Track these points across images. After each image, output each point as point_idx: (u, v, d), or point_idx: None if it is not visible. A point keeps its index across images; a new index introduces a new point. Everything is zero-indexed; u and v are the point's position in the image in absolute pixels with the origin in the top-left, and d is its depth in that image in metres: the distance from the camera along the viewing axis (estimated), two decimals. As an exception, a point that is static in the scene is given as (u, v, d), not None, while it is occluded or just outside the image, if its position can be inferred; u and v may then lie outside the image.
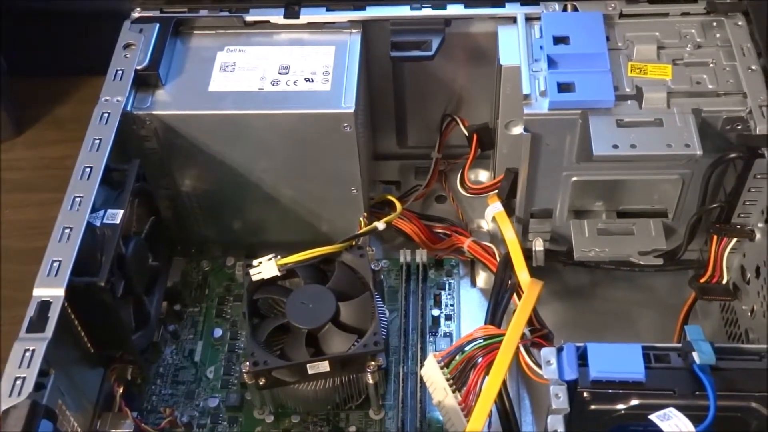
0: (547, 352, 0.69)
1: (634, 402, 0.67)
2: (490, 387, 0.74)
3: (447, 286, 0.97)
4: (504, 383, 0.76)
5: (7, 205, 1.11)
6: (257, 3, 0.92)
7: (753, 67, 0.83)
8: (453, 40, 0.91)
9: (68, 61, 1.20)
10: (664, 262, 0.90)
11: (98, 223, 0.78)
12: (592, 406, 0.67)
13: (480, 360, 0.77)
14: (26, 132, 1.20)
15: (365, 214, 0.94)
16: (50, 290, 0.71)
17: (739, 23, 0.87)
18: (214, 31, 0.92)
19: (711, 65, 0.84)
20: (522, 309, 0.79)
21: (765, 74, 0.82)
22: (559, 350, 0.69)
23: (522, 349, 0.76)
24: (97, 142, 0.81)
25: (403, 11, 0.91)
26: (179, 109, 0.86)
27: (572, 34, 0.85)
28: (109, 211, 0.79)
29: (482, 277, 0.98)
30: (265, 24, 0.92)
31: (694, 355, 0.66)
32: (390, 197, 0.99)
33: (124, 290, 0.80)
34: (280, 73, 0.88)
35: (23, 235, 1.06)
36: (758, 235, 0.83)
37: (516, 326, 0.77)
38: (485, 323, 0.82)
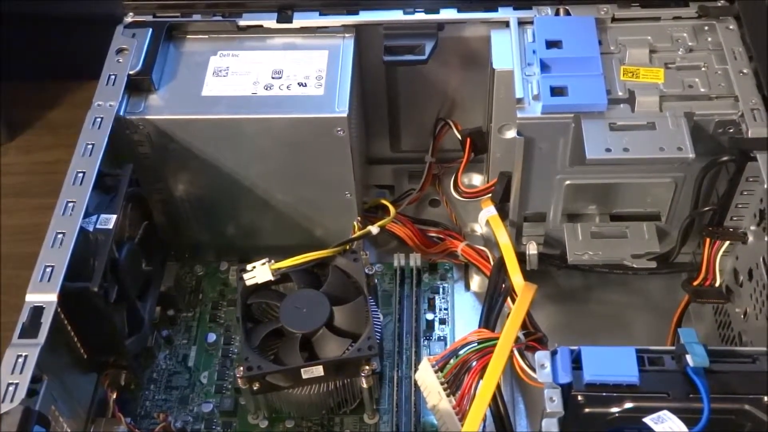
0: (542, 356, 0.69)
1: (629, 405, 0.67)
2: (484, 390, 0.74)
3: (441, 289, 0.97)
4: (498, 387, 0.77)
5: (1, 210, 1.10)
6: (250, 7, 0.92)
7: (744, 71, 0.83)
8: (446, 44, 0.92)
9: (61, 66, 1.20)
10: (657, 265, 0.90)
11: (91, 228, 0.78)
12: (587, 410, 0.68)
13: (474, 364, 0.77)
14: (19, 137, 1.20)
15: (359, 218, 0.94)
16: (43, 296, 0.71)
17: (731, 27, 0.87)
18: (207, 36, 0.92)
19: (703, 69, 0.84)
20: (516, 312, 0.79)
21: (756, 78, 0.83)
22: (553, 354, 0.69)
23: (516, 352, 0.76)
24: (90, 147, 0.81)
25: (396, 15, 0.91)
26: (172, 114, 0.86)
27: (565, 38, 0.85)
28: (102, 216, 0.79)
29: (476, 281, 0.98)
30: (258, 28, 0.92)
31: (688, 357, 0.66)
32: (384, 201, 0.99)
33: (117, 295, 0.80)
34: (273, 78, 0.87)
35: (17, 240, 1.06)
36: (751, 238, 0.83)
37: (510, 330, 0.77)
38: (479, 327, 0.82)
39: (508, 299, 0.84)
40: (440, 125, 1.01)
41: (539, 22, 0.88)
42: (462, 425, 0.75)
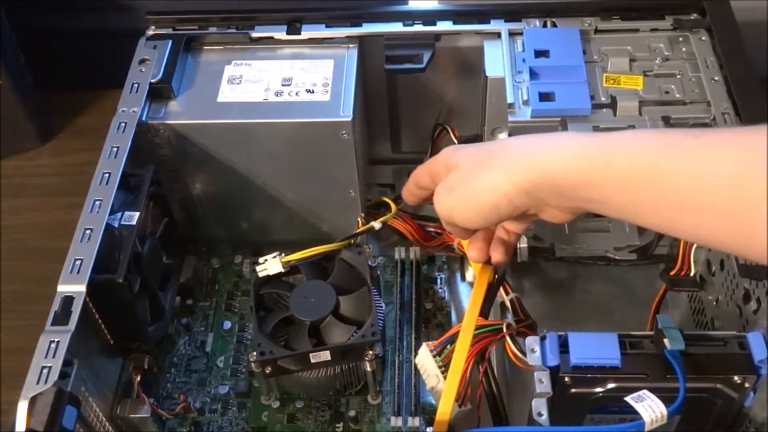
0: (532, 341, 0.69)
1: (611, 385, 0.67)
2: (454, 367, 0.73)
3: (438, 280, 0.97)
4: (492, 369, 0.77)
5: (34, 208, 1.11)
6: (262, 20, 0.92)
7: (716, 78, 0.83)
8: (442, 53, 0.92)
9: (89, 76, 1.20)
10: (637, 257, 0.90)
11: (116, 225, 0.78)
12: (573, 390, 0.68)
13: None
14: (51, 141, 1.20)
15: (362, 214, 0.94)
16: (73, 286, 0.71)
17: (703, 38, 0.87)
18: (222, 47, 0.92)
19: (678, 76, 0.84)
20: (475, 292, 0.78)
21: (726, 84, 0.83)
22: (543, 339, 0.69)
23: (508, 338, 0.76)
24: (115, 149, 0.81)
25: (397, 27, 0.91)
26: (190, 119, 0.86)
27: (552, 47, 0.85)
28: (126, 213, 0.79)
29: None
30: (269, 40, 0.92)
31: (666, 341, 0.67)
32: (385, 199, 0.98)
33: (140, 286, 0.80)
34: (283, 85, 0.88)
35: (49, 236, 1.06)
36: (723, 232, 0.83)
37: (472, 308, 0.76)
38: (473, 314, 0.82)
39: (501, 289, 0.84)
40: (438, 130, 1.01)
41: (528, 33, 0.88)
42: (457, 405, 0.75)
